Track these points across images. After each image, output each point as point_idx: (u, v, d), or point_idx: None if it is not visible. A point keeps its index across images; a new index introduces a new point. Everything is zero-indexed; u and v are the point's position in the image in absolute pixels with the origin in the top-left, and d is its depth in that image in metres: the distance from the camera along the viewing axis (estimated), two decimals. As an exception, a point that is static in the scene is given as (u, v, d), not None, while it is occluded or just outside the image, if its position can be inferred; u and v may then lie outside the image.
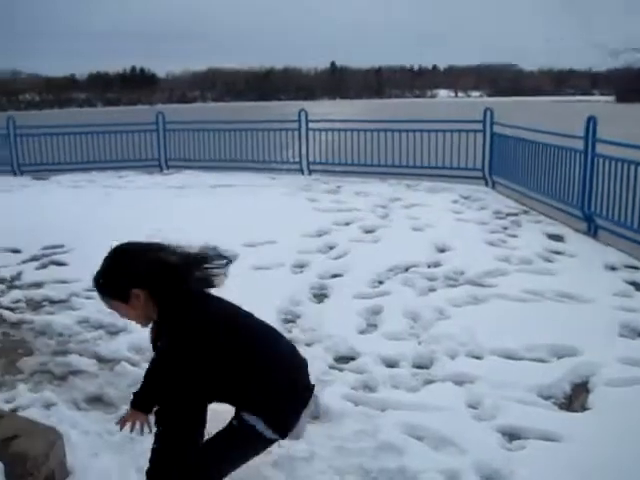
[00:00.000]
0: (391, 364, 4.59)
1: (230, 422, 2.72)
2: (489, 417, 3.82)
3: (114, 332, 5.23)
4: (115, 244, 2.79)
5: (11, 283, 6.66)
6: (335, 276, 6.61)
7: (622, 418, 3.77)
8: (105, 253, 2.80)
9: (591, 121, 8.27)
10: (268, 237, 7.82)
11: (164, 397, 2.71)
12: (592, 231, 8.25)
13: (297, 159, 14.09)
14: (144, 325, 2.84)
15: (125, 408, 3.02)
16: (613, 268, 6.68)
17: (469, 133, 12.11)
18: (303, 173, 13.73)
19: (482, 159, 11.96)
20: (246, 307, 5.62)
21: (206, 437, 2.82)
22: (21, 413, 3.75)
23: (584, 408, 3.98)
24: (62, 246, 7.80)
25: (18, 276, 6.85)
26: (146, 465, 3.00)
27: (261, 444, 2.73)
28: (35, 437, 3.08)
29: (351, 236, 8.06)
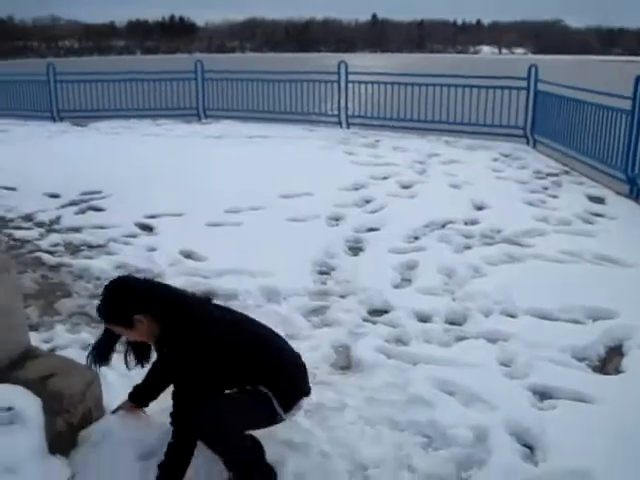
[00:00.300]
0: (424, 319, 4.59)
1: (244, 387, 2.83)
2: (521, 375, 3.82)
3: (151, 278, 5.29)
4: (112, 279, 2.93)
5: (50, 227, 6.76)
6: (371, 230, 6.60)
7: (657, 382, 3.74)
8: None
9: (640, 81, 8.03)
10: (305, 189, 7.81)
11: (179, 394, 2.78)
12: (634, 194, 8.07)
13: (336, 112, 13.95)
14: (153, 344, 2.93)
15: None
16: (654, 232, 6.55)
17: (512, 90, 11.82)
18: (341, 126, 13.60)
19: (524, 117, 11.70)
20: (281, 258, 5.70)
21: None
22: (59, 353, 3.84)
23: (618, 371, 3.95)
24: (100, 192, 7.88)
25: (57, 220, 6.96)
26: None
27: (269, 411, 2.82)
28: (72, 376, 3.14)
29: (388, 191, 8.00)
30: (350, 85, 13.61)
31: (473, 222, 6.79)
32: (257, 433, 2.88)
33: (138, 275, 5.30)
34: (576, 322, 4.56)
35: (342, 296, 5.00)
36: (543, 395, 3.64)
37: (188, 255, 5.84)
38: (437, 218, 6.80)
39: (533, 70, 11.53)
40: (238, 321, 2.96)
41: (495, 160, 10.10)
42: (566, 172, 9.40)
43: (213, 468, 2.84)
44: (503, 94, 11.82)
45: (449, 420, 3.31)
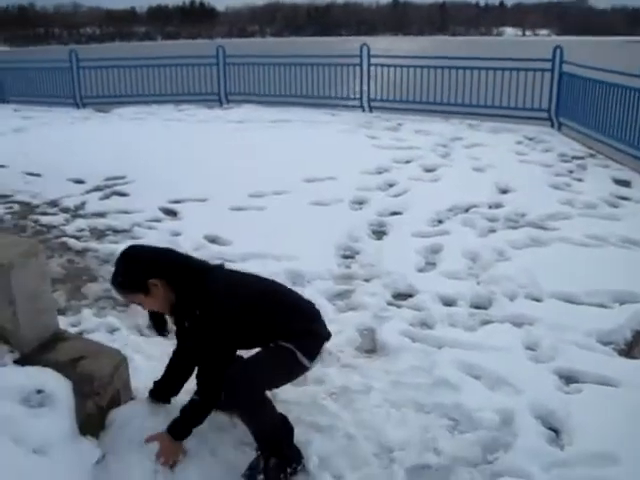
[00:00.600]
0: (449, 303, 4.59)
1: (267, 345, 2.86)
2: (547, 359, 3.81)
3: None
4: (122, 249, 2.98)
5: (75, 212, 6.82)
6: (394, 214, 6.59)
7: (684, 366, 3.71)
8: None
9: (668, 61, 7.91)
10: (327, 173, 7.80)
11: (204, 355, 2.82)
12: (661, 177, 7.97)
13: (357, 95, 13.89)
14: (168, 313, 2.96)
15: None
16: (682, 216, 6.47)
17: (536, 72, 11.67)
18: (364, 110, 13.53)
19: (549, 100, 11.56)
20: (305, 242, 5.72)
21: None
22: (86, 337, 3.88)
23: (644, 355, 3.92)
24: (124, 177, 7.94)
25: (82, 206, 7.02)
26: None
27: (296, 365, 2.85)
28: (101, 358, 3.18)
29: (411, 174, 7.98)
30: (372, 68, 13.53)
31: (497, 206, 6.75)
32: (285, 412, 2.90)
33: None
34: (602, 306, 4.53)
35: (366, 280, 5.00)
36: (569, 379, 3.63)
37: (213, 239, 5.87)
38: (461, 202, 6.76)
39: (558, 51, 11.37)
40: (250, 279, 3.02)
41: (519, 143, 10.01)
42: (591, 155, 9.29)
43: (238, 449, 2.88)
44: (527, 76, 11.68)
45: (475, 403, 3.32)
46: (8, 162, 8.71)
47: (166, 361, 3.26)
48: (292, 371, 2.90)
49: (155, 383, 3.17)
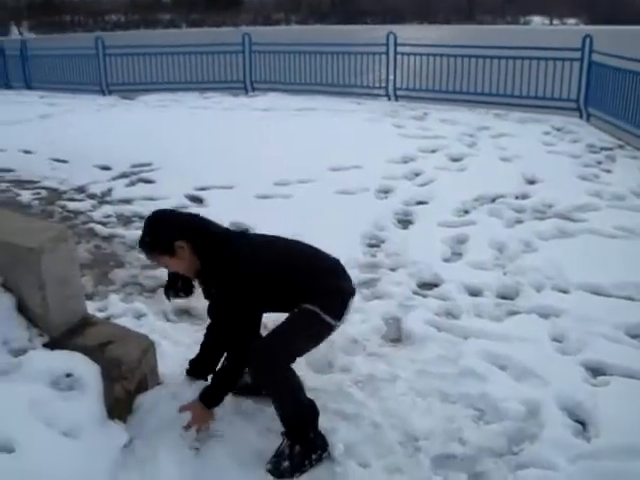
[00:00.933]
0: (475, 293, 4.56)
1: (292, 306, 2.89)
2: (574, 351, 3.78)
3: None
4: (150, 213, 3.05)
5: (102, 199, 6.88)
6: (420, 203, 6.55)
7: None
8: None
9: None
10: (353, 162, 7.78)
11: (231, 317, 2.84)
12: (692, 170, 7.84)
13: (383, 84, 13.82)
14: (193, 278, 3.01)
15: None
16: None
17: (565, 62, 11.52)
18: (389, 99, 13.46)
19: (577, 90, 11.40)
20: (331, 230, 5.71)
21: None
22: (114, 322, 3.91)
23: (673, 348, 3.88)
24: (150, 164, 7.98)
25: (109, 192, 7.07)
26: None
27: (322, 326, 2.89)
28: (129, 343, 3.21)
29: (437, 164, 7.93)
30: (398, 57, 13.44)
31: (524, 196, 6.69)
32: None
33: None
34: (630, 299, 4.47)
35: (392, 269, 4.99)
36: (596, 371, 3.60)
37: (239, 226, 5.87)
38: (487, 192, 6.71)
39: (587, 41, 11.21)
40: (275, 242, 3.05)
41: (547, 134, 9.89)
42: (620, 146, 9.17)
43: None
44: (556, 65, 11.55)
45: (501, 394, 3.30)
46: (35, 148, 8.80)
47: (193, 347, 3.29)
48: (318, 333, 2.93)
49: (191, 362, 3.23)
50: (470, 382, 3.43)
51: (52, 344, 3.03)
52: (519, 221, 6.00)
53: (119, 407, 2.90)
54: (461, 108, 12.23)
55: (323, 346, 2.95)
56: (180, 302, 4.40)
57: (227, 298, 2.82)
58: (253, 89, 14.84)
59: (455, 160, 8.16)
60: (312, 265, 2.99)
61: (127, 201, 6.75)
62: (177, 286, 3.09)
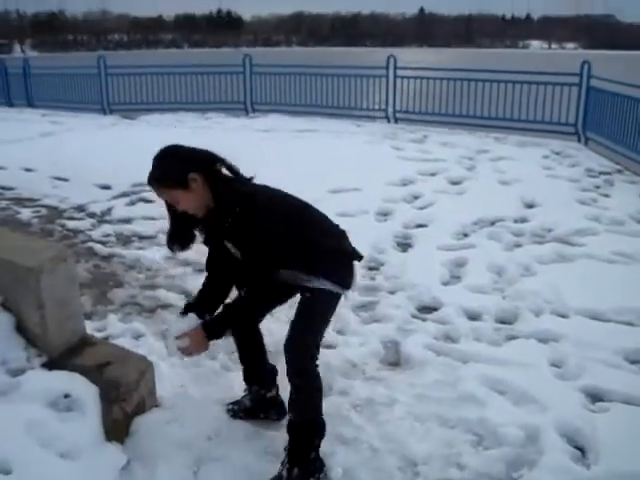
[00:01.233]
0: (474, 317, 4.56)
1: (303, 297, 2.90)
2: (573, 377, 3.77)
3: (200, 270, 5.28)
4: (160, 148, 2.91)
5: (102, 218, 6.89)
6: (419, 226, 6.56)
7: None
8: None
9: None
10: (353, 184, 7.78)
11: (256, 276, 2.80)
12: (690, 195, 7.87)
13: (383, 107, 13.89)
14: (203, 216, 2.87)
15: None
16: None
17: (563, 87, 11.61)
18: (389, 121, 13.53)
19: (576, 114, 11.48)
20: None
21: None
22: (112, 342, 3.90)
23: (673, 375, 3.87)
24: (150, 184, 7.96)
25: (108, 211, 7.08)
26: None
27: (334, 299, 2.94)
28: (127, 364, 3.20)
29: (436, 187, 7.94)
30: (398, 80, 13.52)
31: (523, 220, 6.70)
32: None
33: (186, 266, 5.42)
34: (629, 324, 4.47)
35: (391, 292, 5.00)
36: (595, 397, 3.59)
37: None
38: (486, 215, 6.73)
39: (586, 66, 11.31)
40: (284, 193, 3.00)
41: (546, 157, 9.93)
42: (619, 171, 9.21)
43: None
44: (554, 90, 11.63)
45: (500, 419, 3.29)
46: (36, 166, 8.82)
47: (190, 368, 3.27)
48: (332, 309, 2.97)
49: (186, 305, 3.08)
50: (469, 407, 3.42)
51: (50, 364, 3.03)
52: (518, 245, 6.01)
53: (117, 429, 2.89)
54: (460, 131, 12.31)
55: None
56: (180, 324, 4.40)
57: (241, 230, 2.73)
58: (254, 110, 14.90)
59: (454, 183, 8.18)
60: (320, 223, 2.98)
61: (127, 220, 6.76)
62: (179, 234, 2.96)
